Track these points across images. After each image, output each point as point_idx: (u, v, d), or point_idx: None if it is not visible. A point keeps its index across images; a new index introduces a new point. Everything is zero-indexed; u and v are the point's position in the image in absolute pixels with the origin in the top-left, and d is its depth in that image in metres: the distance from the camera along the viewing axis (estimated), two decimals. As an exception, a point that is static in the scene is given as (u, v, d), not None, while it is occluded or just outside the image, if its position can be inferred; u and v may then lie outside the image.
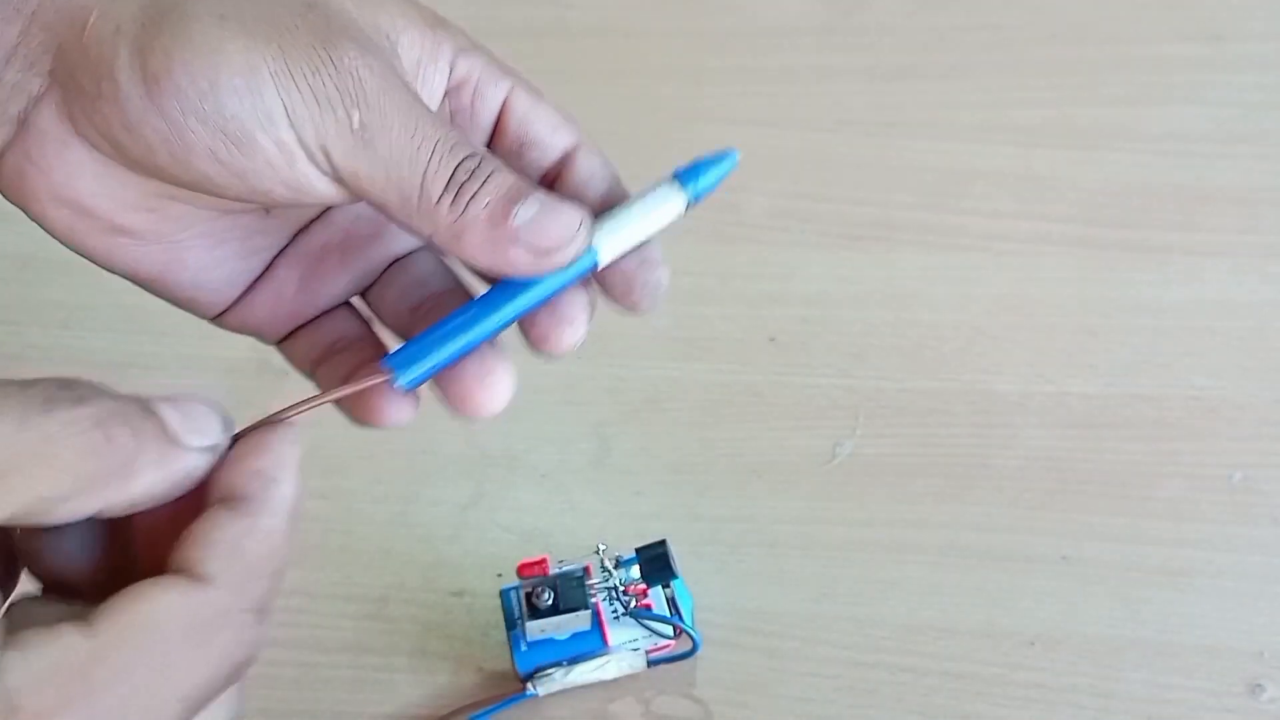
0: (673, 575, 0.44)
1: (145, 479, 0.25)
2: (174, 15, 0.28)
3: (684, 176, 0.32)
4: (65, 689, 0.23)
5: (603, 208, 0.33)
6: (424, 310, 0.33)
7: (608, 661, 0.44)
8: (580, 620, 0.43)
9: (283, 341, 0.34)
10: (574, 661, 0.44)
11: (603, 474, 0.51)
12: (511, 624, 0.44)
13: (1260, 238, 0.56)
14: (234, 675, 0.26)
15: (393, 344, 0.32)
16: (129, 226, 0.30)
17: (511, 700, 0.44)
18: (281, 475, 0.27)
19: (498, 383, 0.31)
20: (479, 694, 0.44)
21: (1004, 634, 0.46)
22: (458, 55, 0.33)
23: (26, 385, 0.25)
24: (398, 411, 0.31)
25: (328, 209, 0.34)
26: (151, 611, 0.25)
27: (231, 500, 0.26)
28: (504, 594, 0.45)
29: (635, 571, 0.44)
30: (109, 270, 0.32)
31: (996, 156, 0.60)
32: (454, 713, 0.44)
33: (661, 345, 0.54)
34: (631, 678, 0.45)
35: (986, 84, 0.63)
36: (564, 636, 0.44)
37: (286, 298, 0.33)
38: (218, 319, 0.33)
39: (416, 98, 0.29)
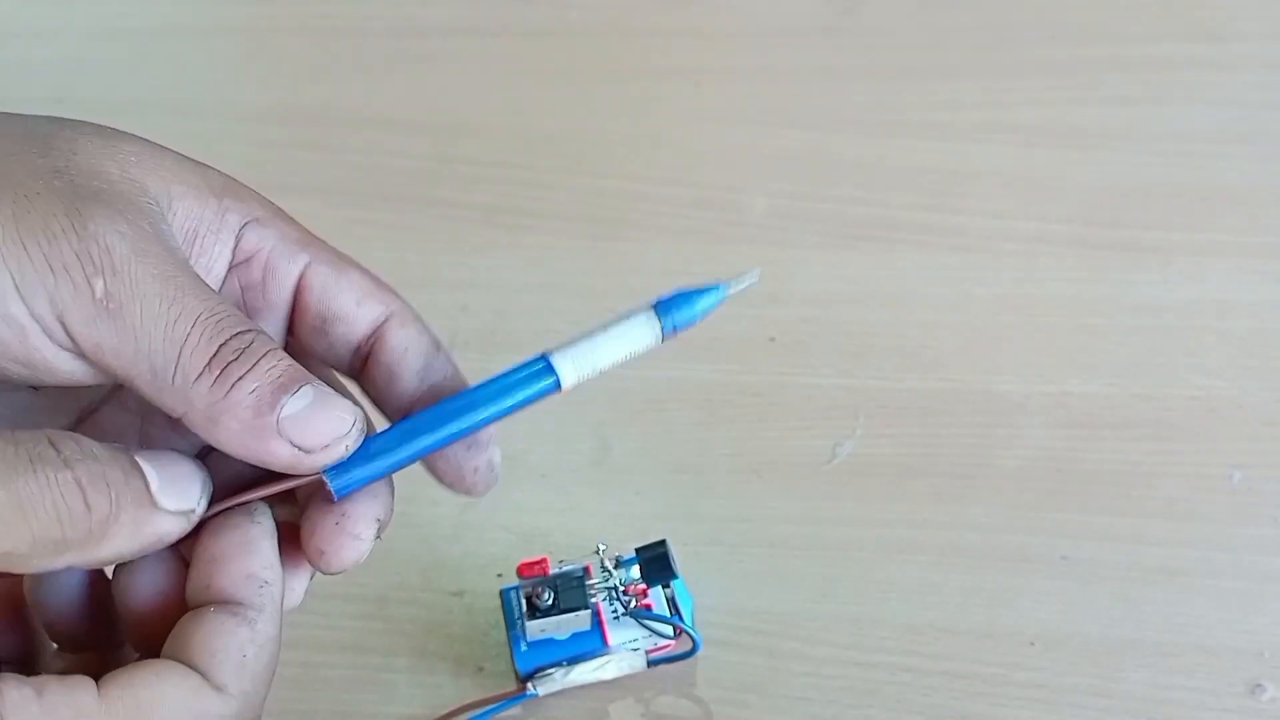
0: (673, 575, 0.44)
1: (116, 543, 0.25)
2: None
3: (661, 308, 0.31)
4: None
5: (421, 382, 0.31)
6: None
7: (608, 661, 0.44)
8: (580, 620, 0.43)
9: None
10: (574, 661, 0.44)
11: (603, 474, 0.51)
12: (511, 624, 0.44)
13: (1261, 238, 0.56)
14: None
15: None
16: None
17: (511, 700, 0.44)
18: (272, 577, 0.28)
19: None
20: (479, 694, 0.44)
21: (1004, 634, 0.46)
22: (246, 226, 0.31)
23: (17, 439, 0.25)
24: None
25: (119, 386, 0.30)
26: (163, 705, 0.25)
27: (231, 605, 0.27)
28: (504, 594, 0.45)
29: (635, 571, 0.44)
30: None
31: (997, 156, 0.60)
32: (453, 712, 0.44)
33: (662, 345, 0.54)
34: (631, 678, 0.45)
35: (986, 84, 0.63)
36: (564, 636, 0.44)
37: None
38: None
39: (182, 266, 0.27)
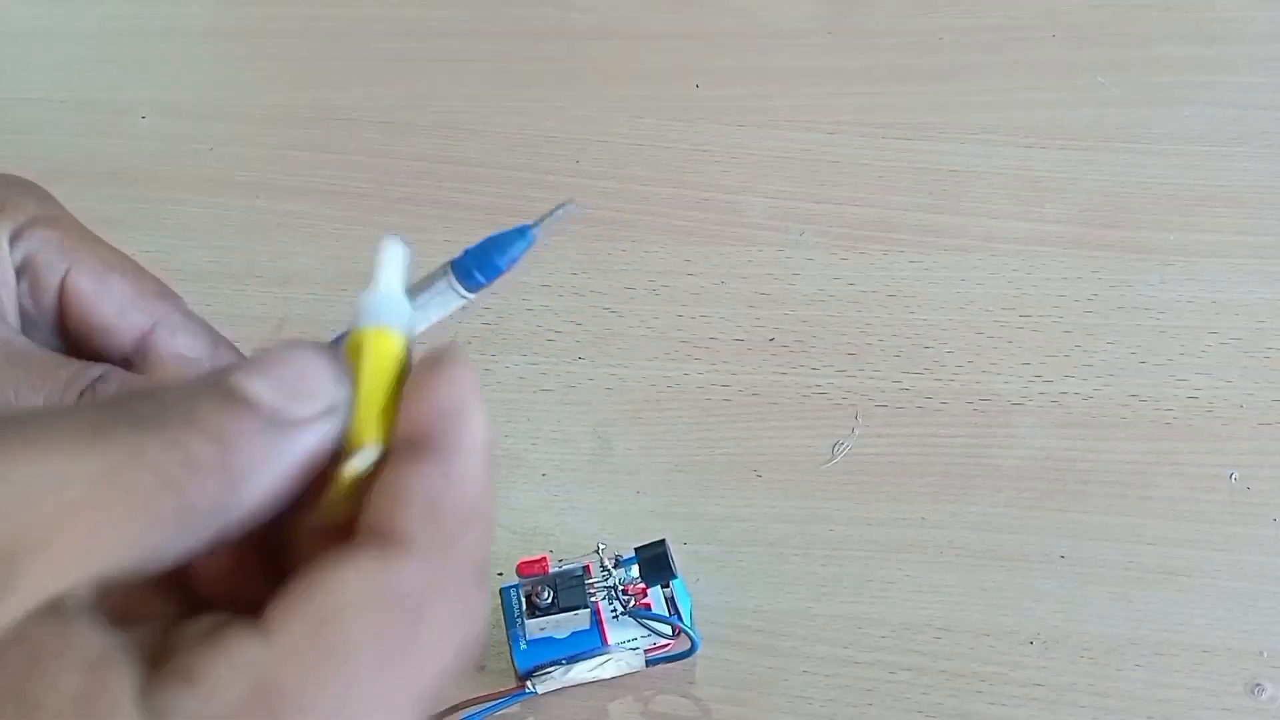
0: (672, 575, 0.44)
1: (252, 487, 0.20)
2: None
3: (459, 268, 0.27)
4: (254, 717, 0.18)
5: None
6: None
7: (606, 660, 0.44)
8: (579, 619, 0.43)
9: None
10: (573, 660, 0.44)
11: (603, 474, 0.51)
12: (511, 622, 0.44)
13: (1259, 238, 0.56)
14: (463, 656, 0.21)
15: None
16: None
17: (510, 698, 0.44)
18: (469, 409, 0.21)
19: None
20: (478, 692, 0.44)
21: (1002, 633, 0.46)
22: (21, 230, 0.29)
23: (66, 414, 0.19)
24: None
25: None
26: (343, 594, 0.19)
27: (415, 447, 0.21)
28: (504, 592, 0.45)
29: (634, 571, 0.44)
30: None
31: (996, 156, 0.60)
32: (451, 709, 0.44)
33: (661, 345, 0.54)
34: (630, 677, 0.45)
35: (986, 84, 0.63)
36: (563, 635, 0.44)
37: None
38: None
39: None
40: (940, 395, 0.52)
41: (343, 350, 0.22)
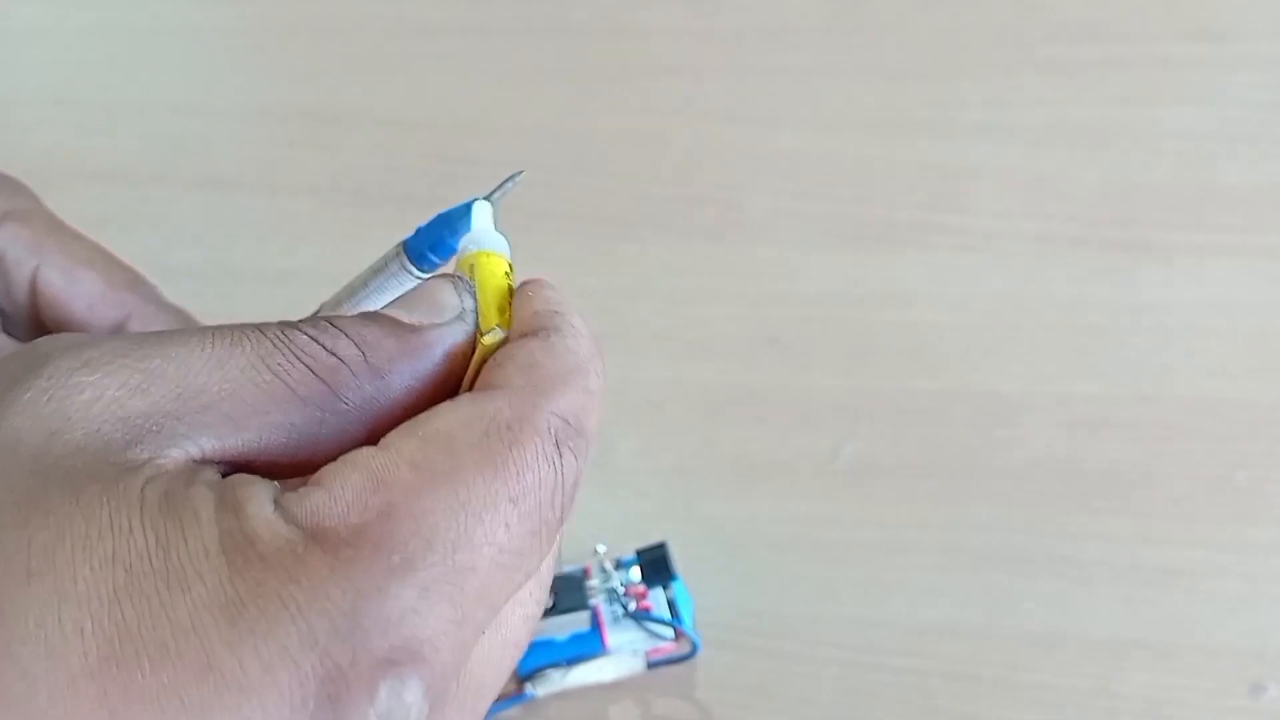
0: (672, 577, 0.44)
1: (395, 381, 0.22)
2: None
3: (410, 246, 0.29)
4: (373, 504, 0.20)
5: None
6: None
7: (607, 663, 0.44)
8: (579, 621, 0.43)
9: None
10: (573, 663, 0.44)
11: (603, 474, 0.50)
12: (511, 625, 0.44)
13: (1262, 237, 0.56)
14: (548, 507, 0.22)
15: None
16: None
17: (509, 701, 0.44)
18: (567, 307, 0.25)
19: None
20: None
21: (1006, 635, 0.46)
22: None
23: (208, 328, 0.22)
24: None
25: None
26: (448, 417, 0.21)
27: (524, 334, 0.24)
28: (503, 595, 0.45)
29: (635, 573, 0.44)
30: None
31: (998, 156, 0.60)
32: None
33: (662, 345, 0.54)
34: (631, 680, 0.45)
35: (988, 83, 0.63)
36: (563, 638, 0.44)
37: None
38: None
39: None
40: (943, 396, 0.52)
41: (461, 273, 0.25)
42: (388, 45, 0.67)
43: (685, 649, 0.44)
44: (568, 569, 0.44)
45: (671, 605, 0.44)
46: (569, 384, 0.23)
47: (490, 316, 0.24)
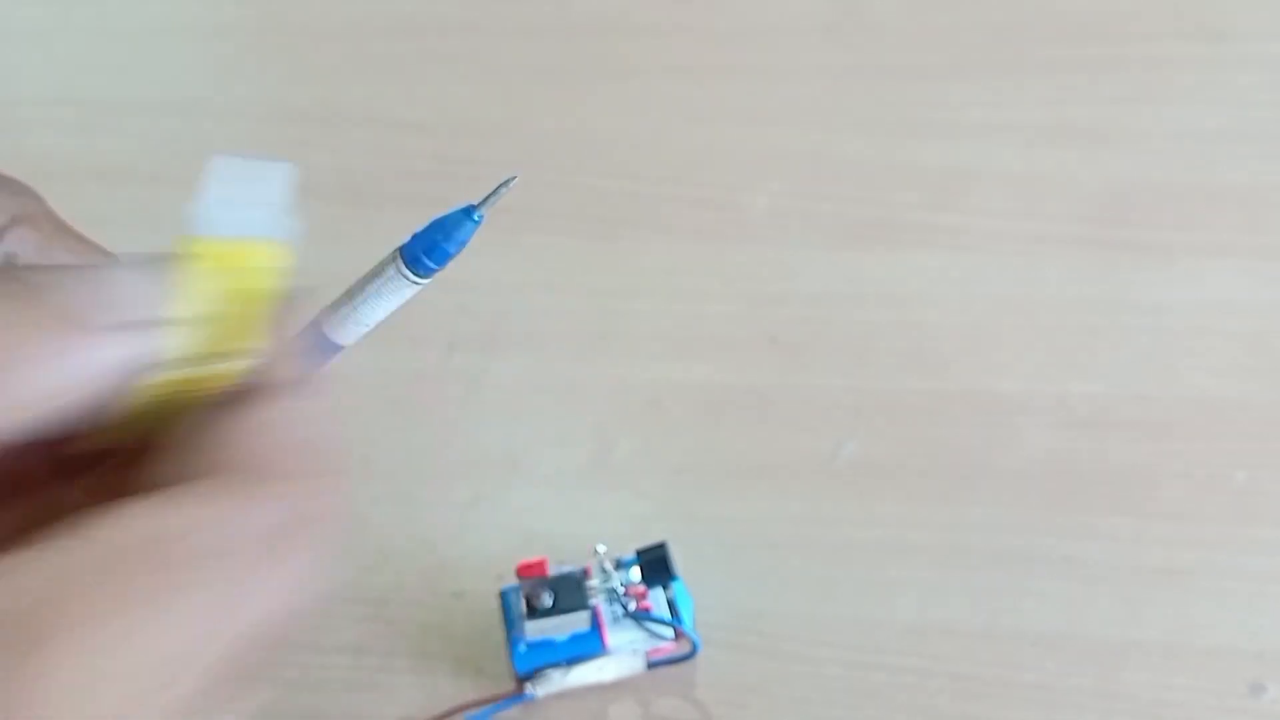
0: (672, 577, 0.44)
1: (29, 382, 0.18)
2: None
3: (407, 252, 0.28)
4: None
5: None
6: None
7: (607, 663, 0.44)
8: (579, 621, 0.43)
9: None
10: (573, 663, 0.43)
11: (603, 475, 0.50)
12: (510, 625, 0.44)
13: (1263, 238, 0.56)
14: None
15: None
16: None
17: (509, 701, 0.44)
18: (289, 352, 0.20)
19: None
20: (478, 695, 0.44)
21: (1006, 635, 0.46)
22: (1, 235, 0.29)
23: None
24: None
25: None
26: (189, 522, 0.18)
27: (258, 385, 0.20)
28: (503, 594, 0.45)
29: (635, 573, 0.44)
30: None
31: (998, 156, 0.60)
32: (448, 713, 0.44)
33: (662, 345, 0.54)
34: (631, 680, 0.45)
35: (987, 84, 0.63)
36: (563, 638, 0.44)
37: None
38: None
39: None
40: (943, 395, 0.52)
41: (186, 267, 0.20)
42: (388, 45, 0.66)
43: (685, 649, 0.44)
44: (568, 569, 0.44)
45: (671, 605, 0.44)
46: (333, 462, 0.19)
47: (217, 340, 0.19)
